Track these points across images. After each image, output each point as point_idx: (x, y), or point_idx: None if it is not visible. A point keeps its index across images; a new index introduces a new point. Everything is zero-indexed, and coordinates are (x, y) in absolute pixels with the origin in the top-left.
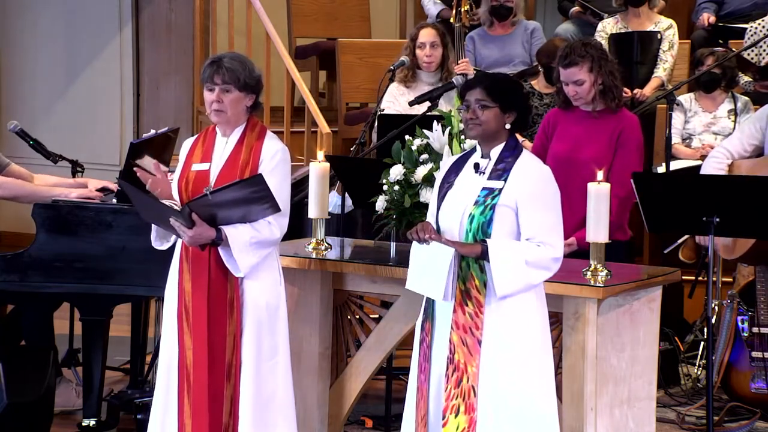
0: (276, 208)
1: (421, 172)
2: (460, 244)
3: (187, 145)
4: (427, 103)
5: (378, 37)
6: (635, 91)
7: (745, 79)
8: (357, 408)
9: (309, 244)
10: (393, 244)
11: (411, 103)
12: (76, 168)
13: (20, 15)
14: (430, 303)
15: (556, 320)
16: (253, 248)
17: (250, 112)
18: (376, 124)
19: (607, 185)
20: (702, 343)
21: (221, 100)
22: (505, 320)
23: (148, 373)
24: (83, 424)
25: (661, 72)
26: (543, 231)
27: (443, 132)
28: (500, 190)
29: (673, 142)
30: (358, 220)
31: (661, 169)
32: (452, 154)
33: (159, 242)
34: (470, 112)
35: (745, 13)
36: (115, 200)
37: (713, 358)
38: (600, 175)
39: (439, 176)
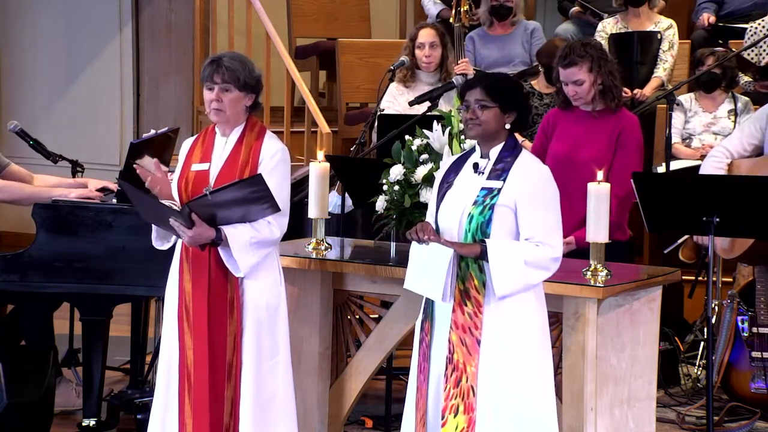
0: (276, 208)
1: (421, 172)
2: (459, 244)
3: (186, 145)
4: (427, 103)
5: (378, 37)
6: (635, 91)
7: (745, 79)
8: (357, 408)
9: (309, 244)
10: (393, 244)
11: (411, 103)
12: (76, 168)
13: (20, 15)
14: (430, 303)
15: (556, 320)
16: (252, 248)
17: (249, 112)
18: (376, 124)
19: (607, 185)
20: (702, 343)
21: (220, 99)
22: (504, 320)
23: (148, 373)
24: (83, 424)
25: (661, 72)
26: (542, 231)
27: (443, 132)
28: (499, 190)
29: (673, 142)
30: (358, 220)
31: (661, 169)
32: (452, 154)
33: (159, 242)
34: (470, 112)
35: (745, 13)
36: (115, 200)
37: (713, 358)
38: (600, 175)
39: (438, 176)
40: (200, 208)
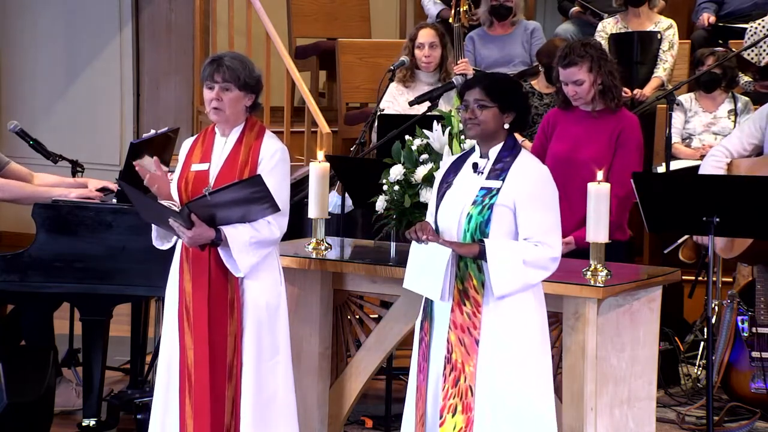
0: (275, 208)
1: (421, 172)
2: (457, 244)
3: (186, 145)
4: (427, 103)
5: (378, 37)
6: (635, 91)
7: (745, 79)
8: (357, 408)
9: (309, 244)
10: (393, 244)
11: (411, 103)
12: (76, 168)
13: (20, 15)
14: (429, 302)
15: (556, 320)
16: (252, 248)
17: (249, 113)
18: (376, 124)
19: (607, 185)
20: (702, 343)
21: (220, 98)
22: (502, 320)
23: (148, 373)
24: (83, 424)
25: (661, 72)
26: (541, 231)
27: (443, 132)
28: (498, 189)
29: (673, 142)
30: (358, 220)
31: (661, 169)
32: (452, 154)
33: (159, 242)
34: (469, 111)
35: (745, 13)
36: (115, 200)
37: (713, 358)
38: (600, 175)
39: (438, 176)
40: (200, 209)
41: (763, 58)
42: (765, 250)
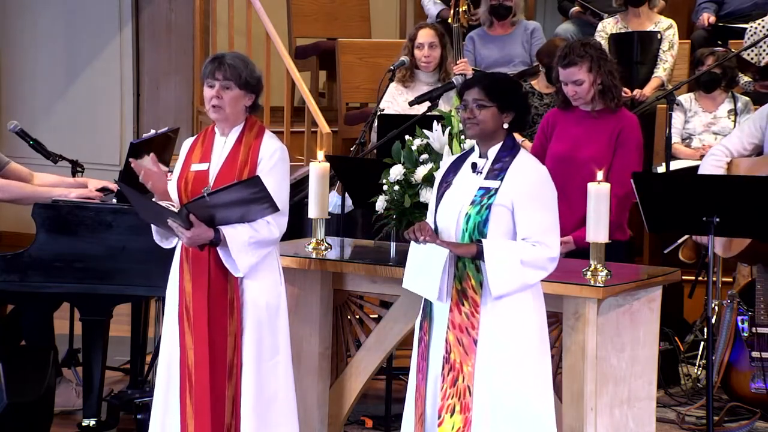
0: (275, 208)
1: (421, 172)
2: (455, 244)
3: (186, 145)
4: (427, 103)
5: (378, 37)
6: (635, 91)
7: (745, 79)
8: (357, 408)
9: (309, 244)
10: (393, 244)
11: (411, 103)
12: (76, 168)
13: (20, 15)
14: (429, 302)
15: (556, 320)
16: (251, 248)
17: (248, 113)
18: (376, 124)
19: (607, 185)
20: (702, 343)
21: (221, 96)
22: (501, 320)
23: (148, 373)
24: (83, 424)
25: (661, 72)
26: (539, 231)
27: (443, 132)
28: (496, 189)
29: (673, 142)
30: (358, 220)
31: (661, 169)
32: (452, 154)
33: (159, 238)
34: (468, 111)
35: (745, 13)
36: (115, 200)
37: (713, 358)
38: (600, 175)
39: (438, 176)
40: (198, 209)
41: (763, 58)
42: (763, 250)
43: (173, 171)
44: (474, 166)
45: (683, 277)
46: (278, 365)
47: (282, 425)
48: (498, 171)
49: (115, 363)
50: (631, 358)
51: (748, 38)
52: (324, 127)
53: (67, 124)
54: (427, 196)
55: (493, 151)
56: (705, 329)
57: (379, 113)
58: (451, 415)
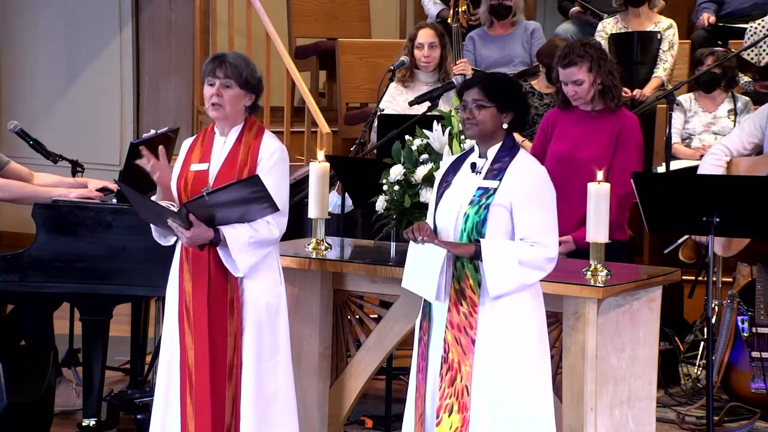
0: (275, 208)
1: (421, 172)
2: (453, 244)
3: (186, 145)
4: (427, 103)
5: (378, 37)
6: (635, 91)
7: (745, 79)
8: (357, 408)
9: (309, 244)
10: (393, 244)
11: (411, 103)
12: (76, 168)
13: (20, 15)
14: (428, 302)
15: (556, 320)
16: (251, 248)
17: (248, 113)
18: (376, 124)
19: (607, 185)
20: (702, 343)
21: (221, 94)
22: (499, 320)
23: (148, 373)
24: (83, 424)
25: (661, 72)
26: (537, 231)
27: (443, 132)
28: (495, 189)
29: (673, 142)
30: (358, 220)
31: (661, 169)
32: (452, 154)
33: (159, 236)
34: (467, 111)
35: (745, 13)
36: (115, 200)
37: (713, 358)
38: (600, 175)
39: (438, 175)
40: (198, 209)
41: (763, 58)
42: (763, 249)
43: (173, 171)
44: (473, 166)
45: (683, 277)
46: (278, 365)
47: (282, 425)
48: (497, 171)
49: (115, 363)
50: (631, 358)
51: (748, 38)
52: (324, 127)
53: (67, 124)
54: (427, 196)
55: (492, 151)
56: (705, 329)
57: (379, 113)
58: (449, 415)
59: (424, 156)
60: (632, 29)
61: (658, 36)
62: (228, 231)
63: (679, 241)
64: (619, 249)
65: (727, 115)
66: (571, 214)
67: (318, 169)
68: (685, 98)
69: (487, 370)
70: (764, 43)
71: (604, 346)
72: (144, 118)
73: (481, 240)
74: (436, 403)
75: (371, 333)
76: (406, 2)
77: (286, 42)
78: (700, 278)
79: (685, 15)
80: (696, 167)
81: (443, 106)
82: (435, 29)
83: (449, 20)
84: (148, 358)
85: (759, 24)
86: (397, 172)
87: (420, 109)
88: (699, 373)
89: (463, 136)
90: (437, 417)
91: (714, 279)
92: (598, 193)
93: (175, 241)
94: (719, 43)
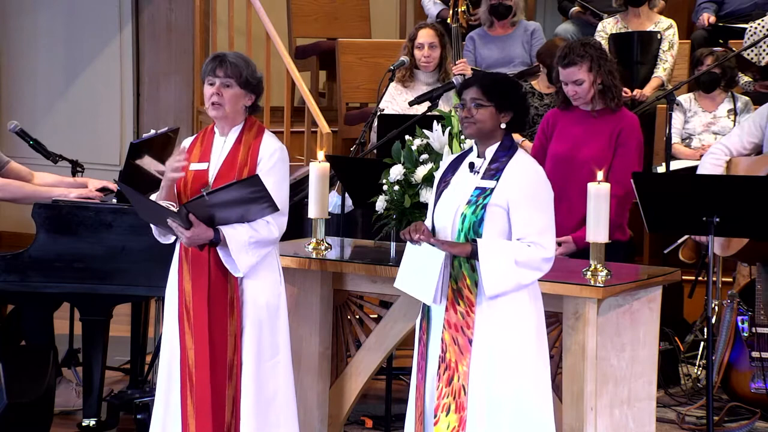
0: (274, 208)
1: (421, 172)
2: (450, 244)
3: (185, 145)
4: (427, 103)
5: (378, 37)
6: (635, 91)
7: (745, 79)
8: (357, 408)
9: (309, 244)
10: (393, 244)
11: (411, 103)
12: (76, 168)
13: (20, 15)
14: None
15: (556, 320)
16: (251, 248)
17: (248, 114)
18: (376, 124)
19: (607, 185)
20: (702, 343)
21: (221, 93)
22: (496, 320)
23: (148, 373)
24: (83, 424)
25: (661, 72)
26: (534, 231)
27: (443, 132)
28: (492, 189)
29: (672, 142)
30: (358, 220)
31: (661, 169)
32: (452, 154)
33: (158, 234)
34: (466, 110)
35: (745, 13)
36: (115, 200)
37: (713, 358)
38: (600, 175)
39: (437, 175)
40: (198, 209)
41: (763, 58)
42: (761, 249)
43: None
44: (471, 165)
45: (683, 277)
46: (278, 365)
47: (282, 425)
48: (494, 171)
49: (115, 363)
50: (631, 358)
51: (748, 38)
52: (324, 127)
53: (67, 124)
54: (427, 196)
55: (490, 151)
56: (705, 329)
57: (379, 113)
58: (447, 414)
59: (424, 156)
60: (632, 29)
61: (658, 36)
62: (228, 231)
63: (679, 241)
64: (619, 249)
65: (727, 115)
66: (571, 215)
67: (318, 169)
68: (685, 98)
69: (484, 369)
70: (764, 43)
71: (604, 346)
72: (144, 118)
73: (477, 240)
74: (434, 402)
75: (371, 333)
76: (406, 2)
77: (286, 42)
78: (700, 278)
79: (685, 15)
80: (696, 167)
81: (443, 106)
82: (435, 29)
83: (449, 20)
84: (148, 358)
85: (759, 24)
86: (397, 172)
87: (420, 109)
88: (699, 373)
89: (463, 136)
90: (435, 416)
91: (714, 279)
92: (598, 193)
93: (175, 241)
94: (720, 42)
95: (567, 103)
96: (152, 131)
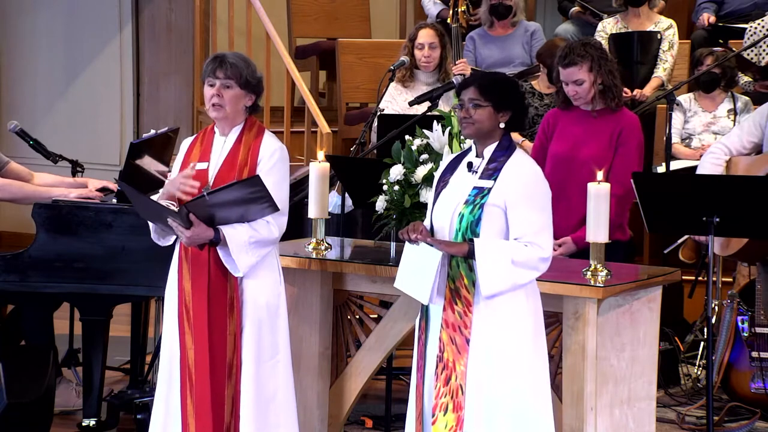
0: (274, 208)
1: (421, 172)
2: (447, 243)
3: (185, 144)
4: (427, 103)
5: (378, 37)
6: (635, 91)
7: (745, 79)
8: (357, 408)
9: (309, 244)
10: (393, 244)
11: (411, 103)
12: (76, 168)
13: (20, 15)
14: None
15: (556, 320)
16: (251, 248)
17: (248, 113)
18: (376, 124)
19: (607, 185)
20: (702, 343)
21: (221, 94)
22: (493, 319)
23: (148, 373)
24: (83, 424)
25: (661, 72)
26: (531, 231)
27: (443, 132)
28: (489, 189)
29: (672, 142)
30: (358, 220)
31: (661, 169)
32: (452, 154)
33: (158, 237)
34: (464, 110)
35: (745, 13)
36: (115, 200)
37: (713, 358)
38: (600, 175)
39: (437, 175)
40: (198, 209)
41: (763, 58)
42: (761, 249)
43: (172, 171)
44: (470, 165)
45: (683, 277)
46: (278, 365)
47: (281, 425)
48: (492, 171)
49: (115, 363)
50: (631, 358)
51: (748, 38)
52: (324, 127)
53: (67, 124)
54: (427, 196)
55: (488, 151)
56: (705, 329)
57: (379, 113)
58: (445, 414)
59: (424, 156)
60: (632, 29)
61: (658, 36)
62: (228, 231)
63: (679, 241)
64: (619, 249)
65: (727, 114)
66: (570, 215)
67: (318, 169)
68: (684, 98)
69: (482, 369)
70: (764, 43)
71: (604, 346)
72: (144, 118)
73: (474, 239)
74: (432, 401)
75: (371, 333)
76: (406, 2)
77: (286, 42)
78: (700, 278)
79: (685, 15)
80: (696, 167)
81: (443, 106)
82: (435, 29)
83: (449, 20)
84: (148, 358)
85: (759, 24)
86: (397, 172)
87: (420, 109)
88: (699, 373)
89: (463, 136)
90: (433, 416)
91: (714, 279)
92: (598, 193)
93: (174, 241)
94: (720, 42)
95: (567, 103)
96: (152, 131)
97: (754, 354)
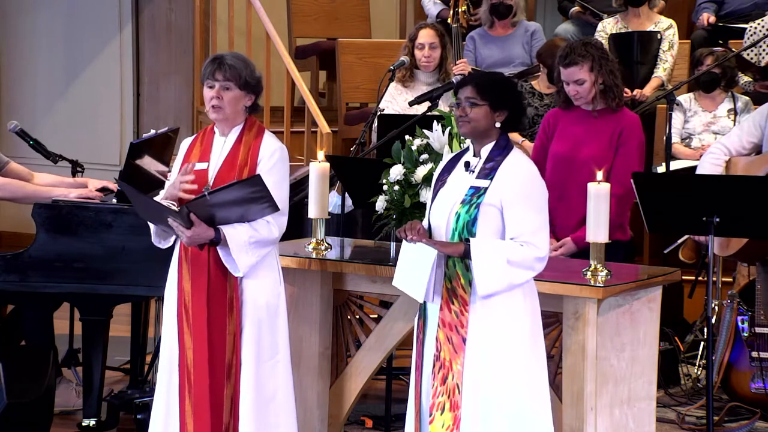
0: (275, 208)
1: (421, 172)
2: (443, 243)
3: (185, 144)
4: (427, 103)
5: (378, 37)
6: (635, 91)
7: (745, 79)
8: (357, 408)
9: (309, 244)
10: (393, 244)
11: (411, 103)
12: (76, 168)
13: (20, 15)
14: (424, 301)
15: (556, 320)
16: (251, 248)
17: (248, 114)
18: (376, 124)
19: (607, 185)
20: (702, 343)
21: (221, 96)
22: (490, 319)
23: (148, 373)
24: (83, 424)
25: (661, 72)
26: (527, 230)
27: (443, 132)
28: (486, 189)
29: (672, 142)
30: (358, 220)
31: (661, 169)
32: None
33: (158, 240)
34: (460, 109)
35: (745, 13)
36: (115, 200)
37: (713, 358)
38: (600, 175)
39: (435, 174)
40: (199, 209)
41: (763, 58)
42: (760, 249)
43: (172, 171)
44: (467, 165)
45: (683, 277)
46: (277, 365)
47: (281, 425)
48: (489, 170)
49: (115, 363)
50: (631, 358)
51: (748, 38)
52: (324, 127)
53: (67, 124)
54: (427, 196)
55: (485, 150)
56: (705, 329)
57: (379, 113)
58: (442, 413)
59: (424, 156)
60: (632, 29)
61: (658, 36)
62: (228, 231)
63: (679, 241)
64: (619, 249)
65: (727, 114)
66: (570, 215)
67: (318, 169)
68: (685, 98)
69: (478, 368)
70: (764, 43)
71: (604, 346)
72: (144, 118)
73: (470, 239)
74: (430, 400)
75: (371, 333)
76: (406, 2)
77: (286, 42)
78: (700, 278)
79: (685, 15)
80: (696, 167)
81: (443, 106)
82: (435, 29)
83: (449, 20)
84: (148, 358)
85: (759, 24)
86: (397, 172)
87: (420, 109)
88: (699, 373)
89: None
90: (430, 415)
91: (714, 279)
92: (598, 193)
93: (174, 241)
94: (720, 42)
95: (568, 103)
96: (152, 131)
97: (754, 354)
